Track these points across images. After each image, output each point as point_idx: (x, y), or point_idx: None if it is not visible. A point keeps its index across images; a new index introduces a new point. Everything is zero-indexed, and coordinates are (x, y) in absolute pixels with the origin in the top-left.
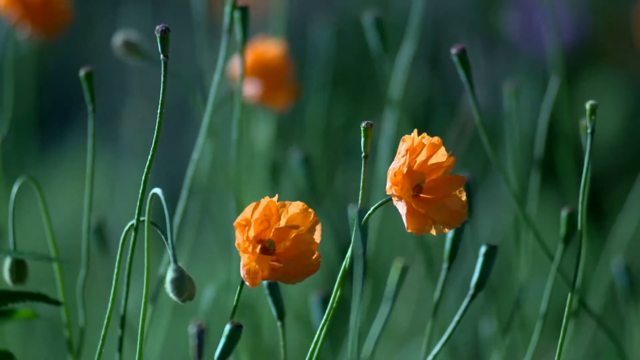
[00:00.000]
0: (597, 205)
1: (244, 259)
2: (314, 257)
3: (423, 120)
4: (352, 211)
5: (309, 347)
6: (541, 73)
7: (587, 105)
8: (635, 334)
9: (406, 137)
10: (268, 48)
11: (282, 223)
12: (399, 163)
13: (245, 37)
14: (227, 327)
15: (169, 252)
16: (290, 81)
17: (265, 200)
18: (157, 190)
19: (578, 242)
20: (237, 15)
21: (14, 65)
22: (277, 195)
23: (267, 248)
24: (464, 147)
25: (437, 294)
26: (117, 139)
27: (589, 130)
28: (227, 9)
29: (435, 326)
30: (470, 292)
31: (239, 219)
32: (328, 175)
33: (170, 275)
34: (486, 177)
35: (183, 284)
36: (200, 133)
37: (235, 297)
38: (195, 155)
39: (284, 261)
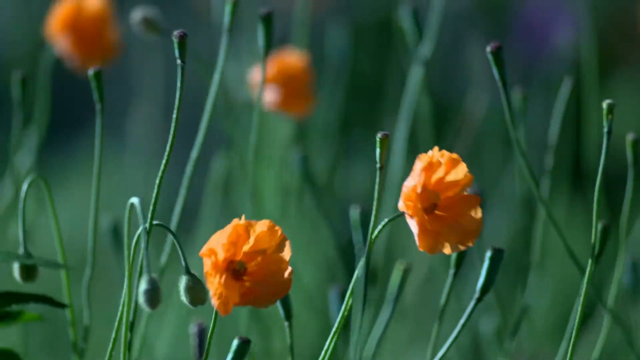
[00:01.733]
0: (613, 206)
1: (212, 288)
2: (285, 276)
3: (429, 122)
4: (354, 212)
5: (320, 344)
6: (554, 72)
7: (604, 105)
8: None
9: (422, 155)
10: (291, 58)
11: (251, 242)
12: (413, 182)
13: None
14: (235, 342)
15: (144, 262)
16: (310, 90)
17: (231, 225)
18: (135, 200)
19: (593, 247)
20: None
21: (23, 61)
22: (243, 216)
23: (237, 270)
24: (467, 148)
25: (443, 300)
26: (124, 138)
27: (605, 130)
28: (228, 8)
29: (441, 330)
30: (476, 295)
31: (204, 249)
32: (338, 174)
33: (142, 286)
34: (489, 179)
35: (155, 296)
36: (198, 134)
37: (211, 325)
38: (194, 154)
39: (255, 283)
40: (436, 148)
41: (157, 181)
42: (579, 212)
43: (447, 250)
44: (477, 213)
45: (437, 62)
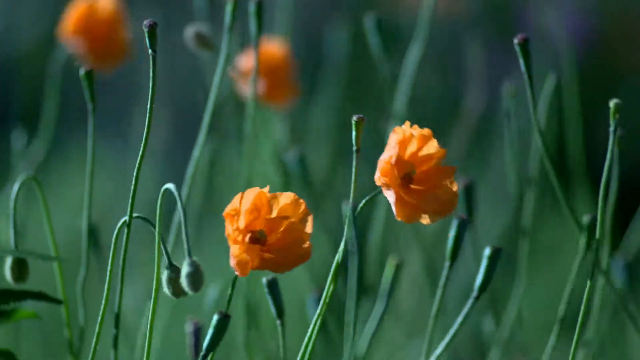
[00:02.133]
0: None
1: (234, 249)
2: (304, 245)
3: (427, 117)
4: (346, 207)
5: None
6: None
7: (611, 104)
8: (634, 334)
9: (397, 128)
10: (270, 47)
11: (274, 214)
12: (388, 153)
13: (260, 31)
14: (215, 317)
15: (185, 245)
16: (292, 81)
17: (254, 190)
18: (170, 186)
19: (595, 247)
20: (252, 9)
21: (25, 62)
22: (267, 187)
23: (257, 238)
24: (467, 145)
25: (438, 293)
26: (126, 139)
27: (611, 129)
28: (229, 7)
29: (437, 327)
30: (474, 294)
31: (227, 209)
32: (336, 176)
33: (185, 269)
34: (486, 175)
35: (199, 278)
36: (201, 131)
37: (229, 289)
38: (196, 152)
39: (275, 250)
40: (407, 122)
41: (135, 173)
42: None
43: (425, 220)
44: (453, 184)
45: (437, 62)
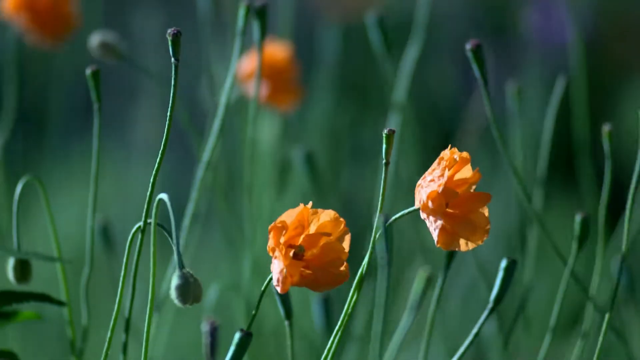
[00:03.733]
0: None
1: (277, 264)
2: (342, 266)
3: (428, 120)
4: (379, 220)
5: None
6: (556, 71)
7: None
8: (635, 333)
9: (443, 153)
10: (275, 50)
11: (312, 230)
12: (437, 182)
13: (264, 35)
14: (237, 335)
15: (175, 257)
16: (295, 83)
17: (299, 208)
18: (164, 196)
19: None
20: (255, 14)
21: (20, 65)
22: (310, 203)
23: (296, 253)
24: (472, 147)
25: (436, 293)
26: (127, 140)
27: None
28: (241, 12)
29: (436, 330)
30: (490, 305)
31: (276, 222)
32: (333, 175)
33: (175, 281)
34: (490, 177)
35: (187, 291)
36: (211, 135)
37: (256, 305)
38: (205, 157)
39: (313, 268)
40: (450, 147)
41: (152, 179)
42: (564, 206)
43: (460, 247)
44: (485, 210)
45: (435, 61)
